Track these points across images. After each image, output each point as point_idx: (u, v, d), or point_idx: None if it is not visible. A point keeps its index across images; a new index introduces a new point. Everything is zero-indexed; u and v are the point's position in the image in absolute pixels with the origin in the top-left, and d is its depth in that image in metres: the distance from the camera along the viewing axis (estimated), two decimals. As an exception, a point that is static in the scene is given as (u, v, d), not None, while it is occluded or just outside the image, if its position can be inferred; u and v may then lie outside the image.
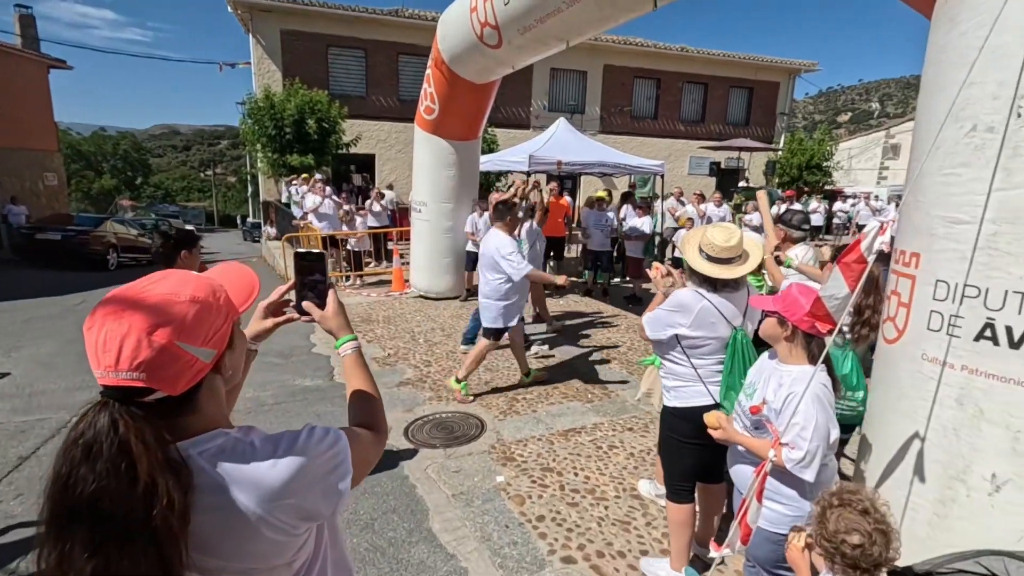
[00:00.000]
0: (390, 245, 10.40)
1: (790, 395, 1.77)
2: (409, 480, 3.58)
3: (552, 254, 9.14)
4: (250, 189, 21.82)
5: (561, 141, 10.08)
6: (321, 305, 1.22)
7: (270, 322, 1.24)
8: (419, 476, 3.62)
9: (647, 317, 2.68)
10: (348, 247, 9.32)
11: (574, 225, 12.31)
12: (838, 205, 19.16)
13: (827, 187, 21.58)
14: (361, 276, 9.56)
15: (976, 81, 1.83)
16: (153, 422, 0.79)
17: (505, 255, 4.50)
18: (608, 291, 9.15)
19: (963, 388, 1.88)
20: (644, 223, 9.02)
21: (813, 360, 1.84)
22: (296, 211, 11.34)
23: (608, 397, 4.93)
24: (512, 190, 5.81)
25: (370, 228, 10.57)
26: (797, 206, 13.59)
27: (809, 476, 1.75)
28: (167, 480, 0.76)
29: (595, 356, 6.03)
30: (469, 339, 5.93)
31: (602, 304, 8.42)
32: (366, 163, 17.96)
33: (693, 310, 2.47)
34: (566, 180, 16.18)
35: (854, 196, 20.21)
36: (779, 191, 19.44)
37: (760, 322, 2.42)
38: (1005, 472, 1.80)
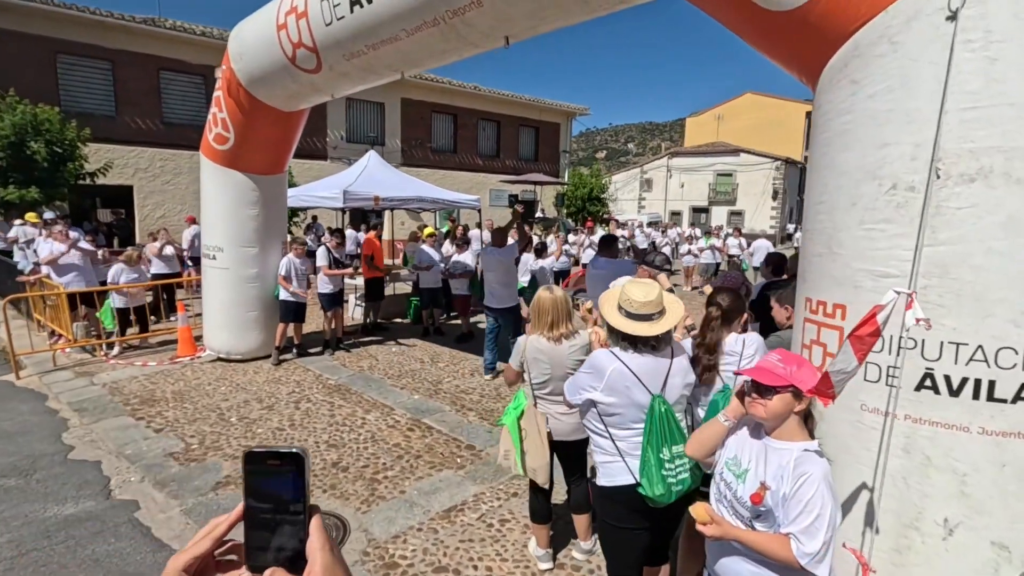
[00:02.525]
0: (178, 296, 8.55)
1: (804, 477, 1.58)
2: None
3: (370, 296, 8.51)
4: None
5: (374, 175, 9.46)
6: (297, 560, 0.60)
7: None
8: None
9: (568, 381, 2.52)
10: (114, 304, 7.29)
11: (397, 263, 11.71)
12: (618, 232, 21.82)
13: (605, 216, 24.54)
14: (134, 342, 7.55)
15: (891, 142, 1.93)
16: None
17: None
18: (443, 330, 8.77)
19: (908, 437, 1.93)
20: (467, 258, 8.84)
21: (812, 434, 1.70)
22: (23, 262, 8.63)
23: (479, 458, 4.49)
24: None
25: (156, 276, 8.56)
26: (595, 237, 15.03)
27: (823, 571, 1.57)
28: None
29: (449, 410, 5.53)
30: (491, 367, 6.52)
31: (438, 347, 7.96)
32: (120, 196, 14.77)
33: (605, 372, 2.26)
34: (369, 215, 15.36)
35: (626, 224, 23.23)
36: (571, 221, 21.49)
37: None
38: (956, 516, 1.87)
